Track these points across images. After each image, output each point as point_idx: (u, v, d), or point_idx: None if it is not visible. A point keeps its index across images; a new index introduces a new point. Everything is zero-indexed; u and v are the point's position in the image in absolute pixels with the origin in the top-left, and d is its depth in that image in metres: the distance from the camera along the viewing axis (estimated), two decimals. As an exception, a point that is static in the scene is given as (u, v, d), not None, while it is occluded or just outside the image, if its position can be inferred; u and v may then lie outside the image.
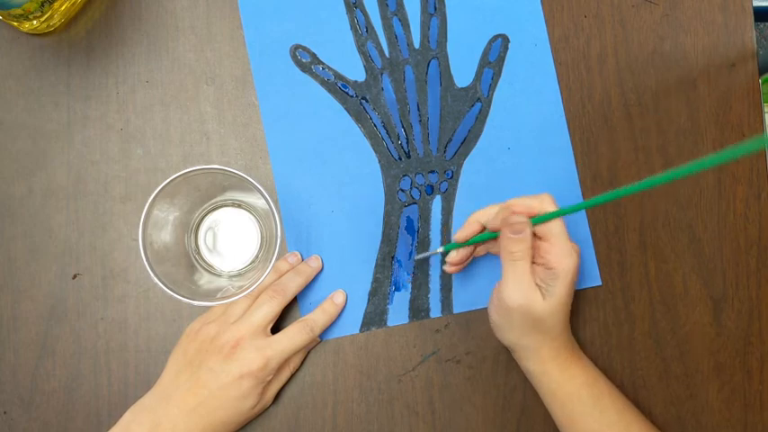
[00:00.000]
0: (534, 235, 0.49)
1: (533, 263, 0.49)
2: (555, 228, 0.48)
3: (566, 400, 0.51)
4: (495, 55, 0.59)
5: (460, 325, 0.57)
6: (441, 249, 0.54)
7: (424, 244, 0.57)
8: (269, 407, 0.54)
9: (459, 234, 0.52)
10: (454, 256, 0.53)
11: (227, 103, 0.57)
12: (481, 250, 0.55)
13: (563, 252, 0.48)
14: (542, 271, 0.48)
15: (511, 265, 0.48)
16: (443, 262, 0.55)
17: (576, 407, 0.51)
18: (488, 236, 0.51)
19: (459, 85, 0.59)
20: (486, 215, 0.51)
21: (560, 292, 0.48)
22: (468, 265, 0.56)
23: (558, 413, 0.52)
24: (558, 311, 0.49)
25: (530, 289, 0.48)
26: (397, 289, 0.57)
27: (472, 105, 0.58)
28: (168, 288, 0.46)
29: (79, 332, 0.55)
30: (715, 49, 0.60)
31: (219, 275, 0.55)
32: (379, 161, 0.58)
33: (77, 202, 0.56)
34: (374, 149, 0.58)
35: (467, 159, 0.58)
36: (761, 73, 0.60)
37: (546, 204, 0.48)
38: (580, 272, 0.57)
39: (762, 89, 0.60)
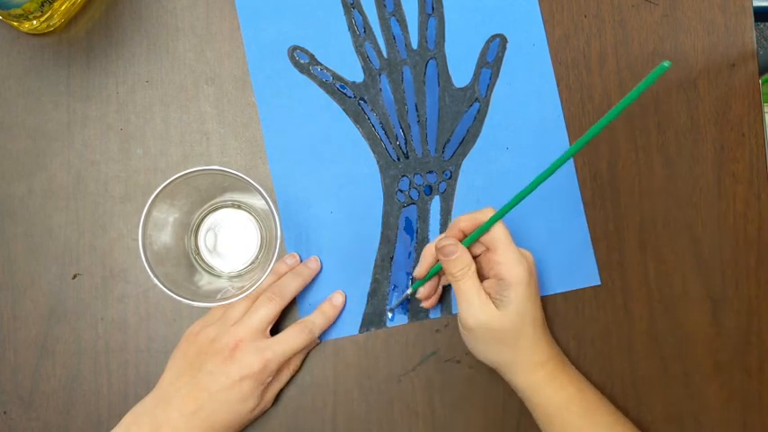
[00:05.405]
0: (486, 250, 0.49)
1: (486, 277, 0.49)
2: (499, 236, 0.47)
3: (555, 413, 0.50)
4: (493, 55, 0.59)
5: (460, 325, 0.57)
6: (410, 291, 0.54)
7: (422, 244, 0.57)
8: (269, 408, 0.54)
9: (417, 270, 0.53)
10: (422, 291, 0.54)
11: (227, 103, 0.57)
12: (446, 280, 0.55)
13: (511, 260, 0.47)
14: (495, 283, 0.48)
15: (457, 286, 0.48)
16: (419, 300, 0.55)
17: (565, 419, 0.50)
18: (441, 266, 0.50)
19: (458, 86, 0.58)
20: None
21: (516, 300, 0.47)
22: None
23: (549, 428, 0.51)
24: (520, 320, 0.48)
25: (482, 305, 0.47)
26: (396, 289, 0.57)
27: (470, 105, 0.58)
28: (168, 289, 0.46)
29: (79, 332, 0.55)
30: (715, 49, 0.60)
31: (219, 276, 0.55)
32: (378, 162, 0.58)
33: (77, 202, 0.56)
34: (372, 150, 0.58)
35: (465, 160, 0.58)
36: (761, 73, 0.60)
37: (489, 215, 0.47)
38: (579, 271, 0.57)
39: (762, 89, 0.60)
